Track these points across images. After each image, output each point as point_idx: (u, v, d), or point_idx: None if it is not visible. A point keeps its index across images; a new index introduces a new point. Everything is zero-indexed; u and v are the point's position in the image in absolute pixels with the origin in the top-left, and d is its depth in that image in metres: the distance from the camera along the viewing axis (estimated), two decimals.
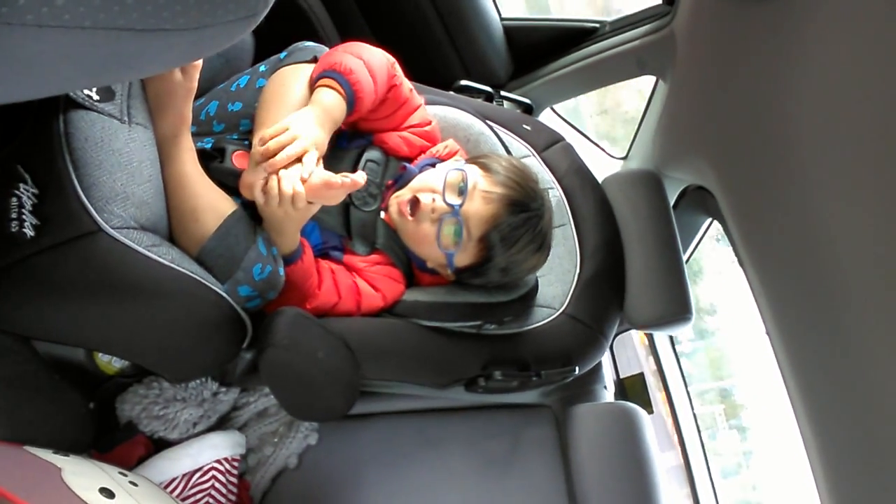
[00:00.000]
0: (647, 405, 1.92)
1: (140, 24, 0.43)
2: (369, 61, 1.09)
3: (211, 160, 1.05)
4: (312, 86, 1.06)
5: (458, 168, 1.14)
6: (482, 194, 1.11)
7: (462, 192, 1.11)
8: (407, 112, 1.23)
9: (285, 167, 0.94)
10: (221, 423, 1.24)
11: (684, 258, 1.45)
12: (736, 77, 1.12)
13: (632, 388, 1.97)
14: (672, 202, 1.55)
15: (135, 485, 0.86)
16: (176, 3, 0.44)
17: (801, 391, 1.01)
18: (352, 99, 1.05)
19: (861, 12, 0.79)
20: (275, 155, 0.93)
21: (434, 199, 1.11)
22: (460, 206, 1.10)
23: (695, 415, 2.02)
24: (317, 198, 0.95)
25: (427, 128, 1.26)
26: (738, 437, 2.86)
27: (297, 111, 1.00)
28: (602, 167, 1.87)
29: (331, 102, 1.03)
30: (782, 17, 0.95)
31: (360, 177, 0.95)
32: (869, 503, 0.89)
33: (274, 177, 0.92)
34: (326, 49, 1.15)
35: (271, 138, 0.94)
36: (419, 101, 1.25)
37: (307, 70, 1.08)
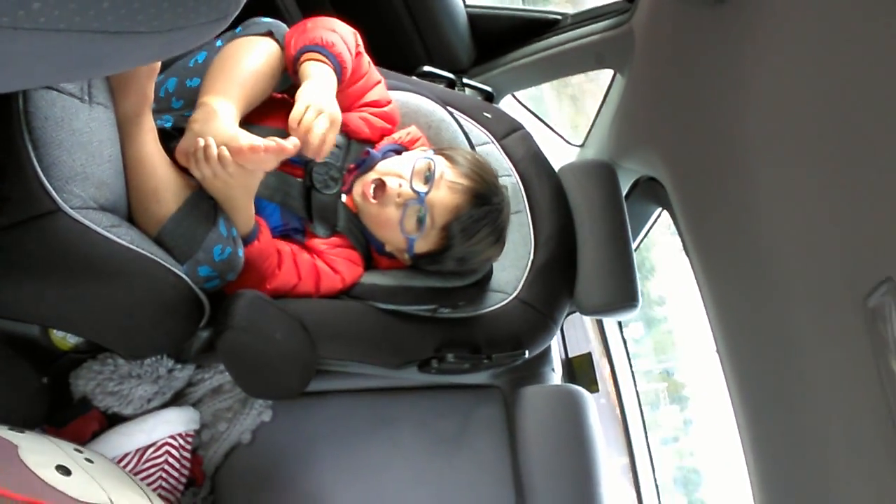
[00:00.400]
0: (594, 384, 1.99)
1: (114, 26, 0.44)
2: (343, 34, 1.12)
3: (171, 140, 1.04)
4: (293, 63, 1.07)
5: (426, 157, 1.16)
6: (448, 184, 1.14)
7: (428, 180, 1.13)
8: (366, 87, 1.24)
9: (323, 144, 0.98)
10: (176, 399, 1.25)
11: (634, 246, 1.50)
12: (689, 75, 1.16)
13: (580, 367, 2.03)
14: (625, 192, 1.59)
15: (90, 461, 0.87)
16: (150, 7, 0.45)
17: (736, 375, 1.07)
18: (339, 71, 1.08)
19: (806, 18, 0.83)
20: (306, 135, 0.97)
21: (401, 185, 1.13)
22: (426, 193, 1.12)
23: (637, 391, 2.10)
24: (244, 161, 0.93)
25: (387, 108, 1.28)
26: (679, 408, 2.98)
27: (305, 87, 1.02)
28: (560, 154, 1.92)
29: (326, 74, 1.05)
30: (734, 20, 0.99)
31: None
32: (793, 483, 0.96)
33: (201, 141, 0.92)
34: (282, 24, 1.14)
35: (298, 123, 0.98)
36: (378, 76, 1.27)
37: (260, 42, 1.08)
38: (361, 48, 1.19)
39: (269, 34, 1.11)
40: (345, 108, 1.22)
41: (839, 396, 0.82)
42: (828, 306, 0.82)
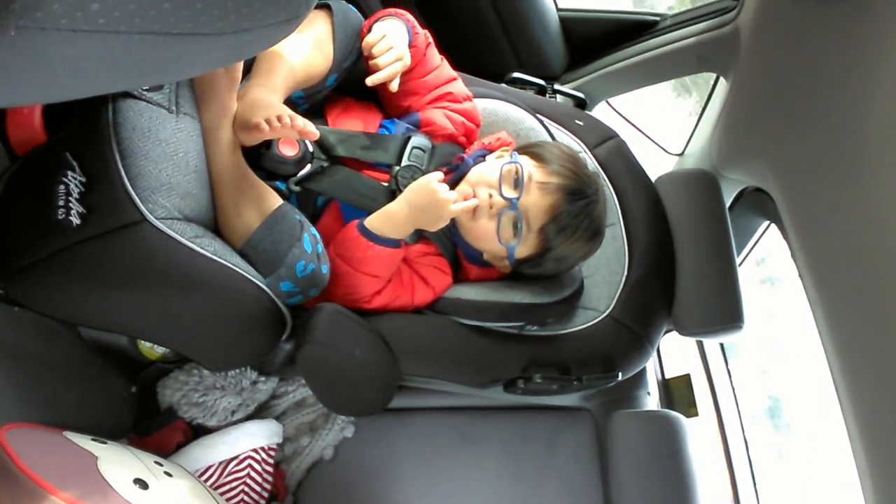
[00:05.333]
0: (692, 407, 1.87)
1: (176, 28, 0.42)
2: (412, 21, 1.17)
3: (258, 148, 1.04)
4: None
5: (511, 161, 1.12)
6: (538, 186, 1.09)
7: (518, 184, 1.09)
8: (440, 77, 1.22)
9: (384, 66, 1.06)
10: (259, 412, 1.25)
11: (738, 261, 1.40)
12: (803, 78, 1.07)
13: (677, 390, 1.92)
14: (728, 203, 1.49)
15: (169, 475, 0.86)
16: (213, 7, 0.42)
17: (853, 405, 0.97)
18: (410, 32, 1.14)
19: None
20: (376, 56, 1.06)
21: (491, 195, 1.09)
22: (517, 199, 1.08)
23: (740, 415, 1.96)
24: None
25: (467, 104, 1.25)
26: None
27: (386, 22, 1.11)
28: (657, 163, 1.82)
29: (400, 26, 1.12)
30: (854, 19, 0.91)
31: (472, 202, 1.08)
32: None
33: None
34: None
35: (372, 46, 1.06)
36: (451, 73, 1.25)
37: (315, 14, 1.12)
38: (431, 42, 1.20)
39: (325, 6, 1.12)
40: (421, 99, 1.21)
41: None
42: None
